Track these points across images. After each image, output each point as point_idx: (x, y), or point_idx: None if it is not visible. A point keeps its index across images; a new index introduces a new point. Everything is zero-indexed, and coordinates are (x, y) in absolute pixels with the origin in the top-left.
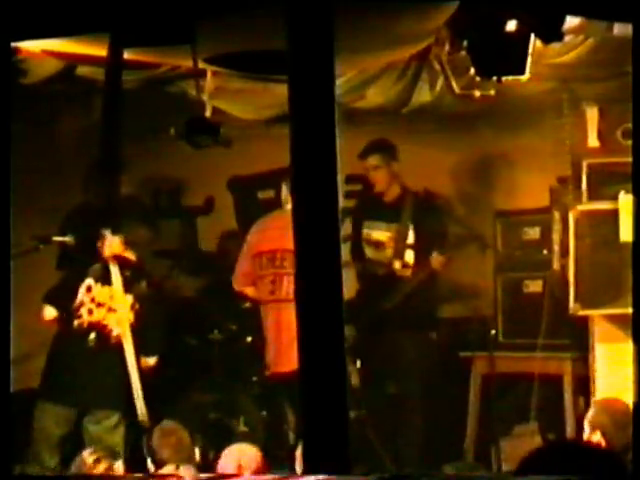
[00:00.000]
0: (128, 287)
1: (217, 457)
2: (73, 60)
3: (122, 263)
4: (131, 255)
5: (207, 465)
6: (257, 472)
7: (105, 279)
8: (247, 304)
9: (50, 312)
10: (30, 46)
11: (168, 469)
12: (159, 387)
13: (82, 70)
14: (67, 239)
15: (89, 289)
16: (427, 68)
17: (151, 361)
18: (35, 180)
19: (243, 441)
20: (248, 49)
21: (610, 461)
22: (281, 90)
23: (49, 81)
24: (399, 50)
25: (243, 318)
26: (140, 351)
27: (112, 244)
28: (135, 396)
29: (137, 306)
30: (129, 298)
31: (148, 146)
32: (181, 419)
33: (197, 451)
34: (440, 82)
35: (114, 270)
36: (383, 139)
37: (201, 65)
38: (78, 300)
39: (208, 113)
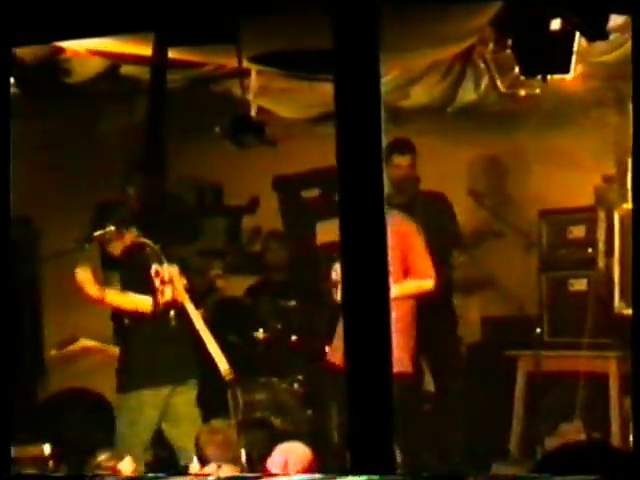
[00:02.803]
0: None
1: (263, 456)
2: (118, 59)
3: None
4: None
5: (252, 464)
6: (305, 471)
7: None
8: (292, 302)
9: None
10: (75, 46)
11: (210, 468)
12: (206, 387)
13: (127, 69)
14: (107, 231)
15: (157, 273)
16: (472, 67)
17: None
18: (78, 180)
19: (288, 440)
20: (293, 48)
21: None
22: (326, 89)
23: (93, 80)
24: (444, 49)
25: (288, 317)
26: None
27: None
28: (214, 354)
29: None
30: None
31: (193, 145)
32: (227, 418)
33: (243, 451)
34: (485, 81)
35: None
36: (407, 139)
37: (246, 64)
38: (153, 286)
39: (253, 112)
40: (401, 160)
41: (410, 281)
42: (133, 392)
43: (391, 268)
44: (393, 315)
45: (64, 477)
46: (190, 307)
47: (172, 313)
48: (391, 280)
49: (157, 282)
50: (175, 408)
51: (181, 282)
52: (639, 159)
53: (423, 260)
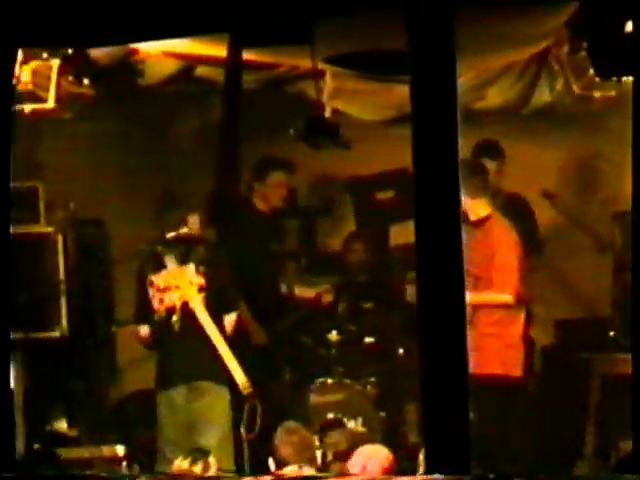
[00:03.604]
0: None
1: (338, 457)
2: (192, 61)
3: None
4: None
5: (326, 466)
6: (384, 474)
7: (158, 265)
8: (368, 305)
9: (144, 329)
10: (149, 47)
11: (291, 469)
12: (276, 390)
13: (201, 71)
14: (182, 232)
15: (151, 283)
16: (546, 69)
17: (231, 318)
18: (151, 181)
19: (362, 442)
20: (368, 49)
21: None
22: (400, 91)
23: (167, 82)
24: (519, 50)
25: (363, 318)
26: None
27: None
28: (230, 366)
29: (201, 269)
30: (189, 268)
31: (267, 146)
32: (301, 420)
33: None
34: (560, 83)
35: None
36: (496, 142)
37: (320, 65)
38: (149, 297)
39: (327, 114)
40: (491, 165)
41: (489, 294)
42: (163, 392)
43: (477, 272)
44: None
45: (64, 477)
46: (200, 309)
47: (175, 318)
48: (473, 285)
49: (152, 291)
50: (204, 411)
51: (185, 281)
52: (639, 159)
53: (507, 274)
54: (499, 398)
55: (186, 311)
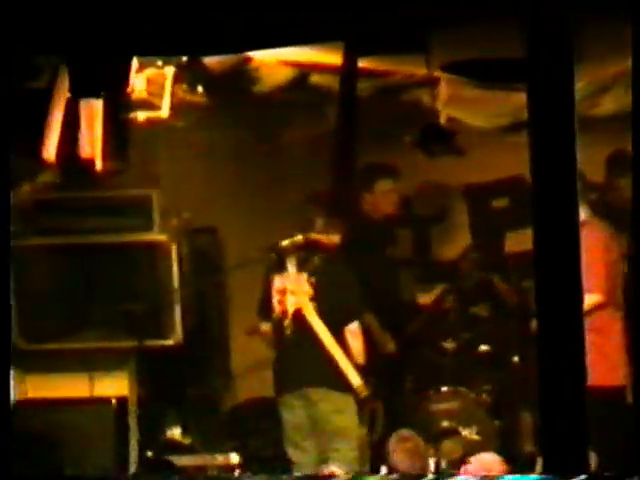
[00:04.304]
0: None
1: (452, 465)
2: (307, 69)
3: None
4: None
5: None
6: None
7: (282, 266)
8: (483, 312)
9: (266, 325)
10: (263, 55)
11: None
12: (391, 396)
13: (315, 78)
14: (296, 240)
15: (273, 283)
16: None
17: (353, 327)
18: (264, 189)
19: (476, 450)
20: (483, 56)
21: None
22: (516, 98)
23: (282, 89)
24: None
25: (478, 326)
26: (337, 321)
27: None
28: (346, 370)
29: (313, 279)
30: (304, 276)
31: (382, 154)
32: (415, 428)
33: (431, 460)
34: None
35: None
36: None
37: (435, 73)
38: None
39: (443, 121)
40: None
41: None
42: (282, 396)
43: None
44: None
45: (64, 477)
46: (312, 315)
47: (287, 322)
48: None
49: (273, 293)
50: (323, 416)
51: (300, 288)
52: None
53: (595, 275)
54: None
55: (299, 317)
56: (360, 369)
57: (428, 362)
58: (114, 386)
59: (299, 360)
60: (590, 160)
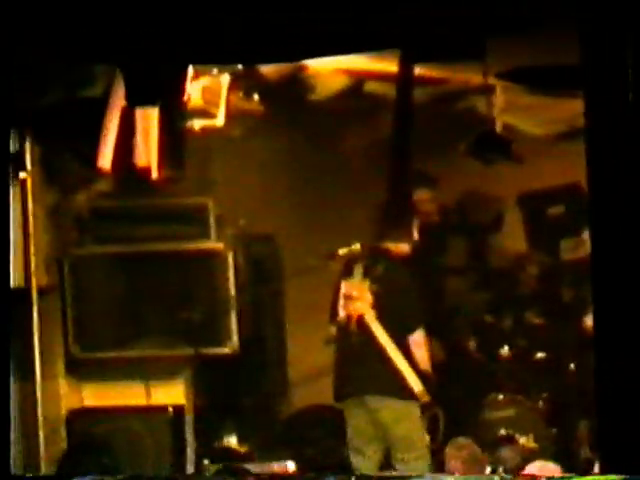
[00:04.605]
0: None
1: (508, 473)
2: (362, 76)
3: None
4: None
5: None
6: None
7: (349, 272)
8: (537, 320)
9: (332, 329)
10: (319, 63)
11: None
12: (447, 405)
13: (370, 86)
14: (354, 248)
15: (340, 288)
16: None
17: (417, 336)
18: (320, 196)
19: (533, 458)
20: (539, 64)
21: None
22: (571, 105)
23: (337, 97)
24: None
25: (533, 334)
26: (399, 329)
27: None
28: (407, 377)
29: (375, 287)
30: (367, 283)
31: (437, 161)
32: (472, 435)
33: (488, 468)
34: None
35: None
36: None
37: (491, 80)
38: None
39: (498, 129)
40: None
41: None
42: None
43: None
44: None
45: (64, 477)
46: (374, 321)
47: (352, 327)
48: None
49: (339, 298)
50: (386, 422)
51: (363, 294)
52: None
53: None
54: None
55: (361, 323)
56: (422, 376)
57: (483, 369)
58: (170, 394)
59: (360, 366)
60: None
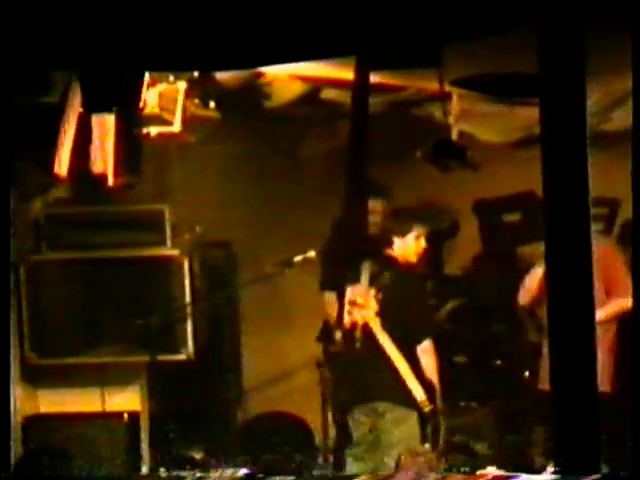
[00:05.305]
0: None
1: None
2: (319, 83)
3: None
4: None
5: None
6: None
7: (356, 277)
8: (498, 327)
9: (339, 335)
10: (275, 70)
11: None
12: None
13: (327, 93)
14: (309, 255)
15: (345, 293)
16: None
17: (425, 345)
18: (277, 204)
19: (487, 465)
20: (495, 71)
21: None
22: (527, 112)
23: (294, 104)
24: None
25: (491, 341)
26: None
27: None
28: (410, 385)
29: (380, 296)
30: (372, 291)
31: (393, 169)
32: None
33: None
34: None
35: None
36: None
37: (447, 88)
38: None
39: (454, 136)
40: None
41: (614, 301)
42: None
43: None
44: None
45: (63, 477)
46: (378, 329)
47: (357, 334)
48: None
49: (344, 304)
50: (387, 430)
51: (368, 301)
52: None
53: (624, 279)
54: None
55: (366, 330)
56: (427, 385)
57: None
58: (126, 401)
59: (365, 373)
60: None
